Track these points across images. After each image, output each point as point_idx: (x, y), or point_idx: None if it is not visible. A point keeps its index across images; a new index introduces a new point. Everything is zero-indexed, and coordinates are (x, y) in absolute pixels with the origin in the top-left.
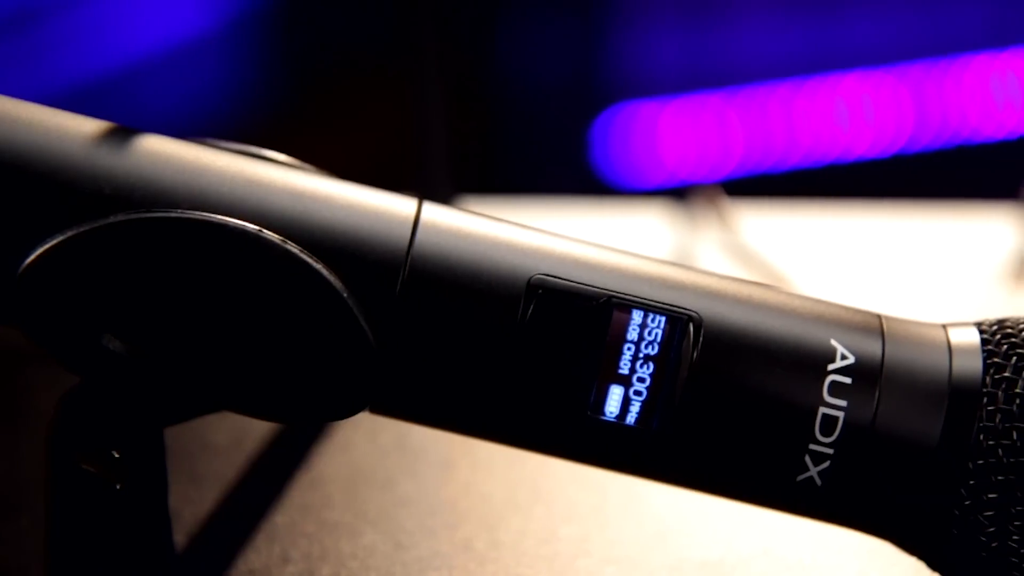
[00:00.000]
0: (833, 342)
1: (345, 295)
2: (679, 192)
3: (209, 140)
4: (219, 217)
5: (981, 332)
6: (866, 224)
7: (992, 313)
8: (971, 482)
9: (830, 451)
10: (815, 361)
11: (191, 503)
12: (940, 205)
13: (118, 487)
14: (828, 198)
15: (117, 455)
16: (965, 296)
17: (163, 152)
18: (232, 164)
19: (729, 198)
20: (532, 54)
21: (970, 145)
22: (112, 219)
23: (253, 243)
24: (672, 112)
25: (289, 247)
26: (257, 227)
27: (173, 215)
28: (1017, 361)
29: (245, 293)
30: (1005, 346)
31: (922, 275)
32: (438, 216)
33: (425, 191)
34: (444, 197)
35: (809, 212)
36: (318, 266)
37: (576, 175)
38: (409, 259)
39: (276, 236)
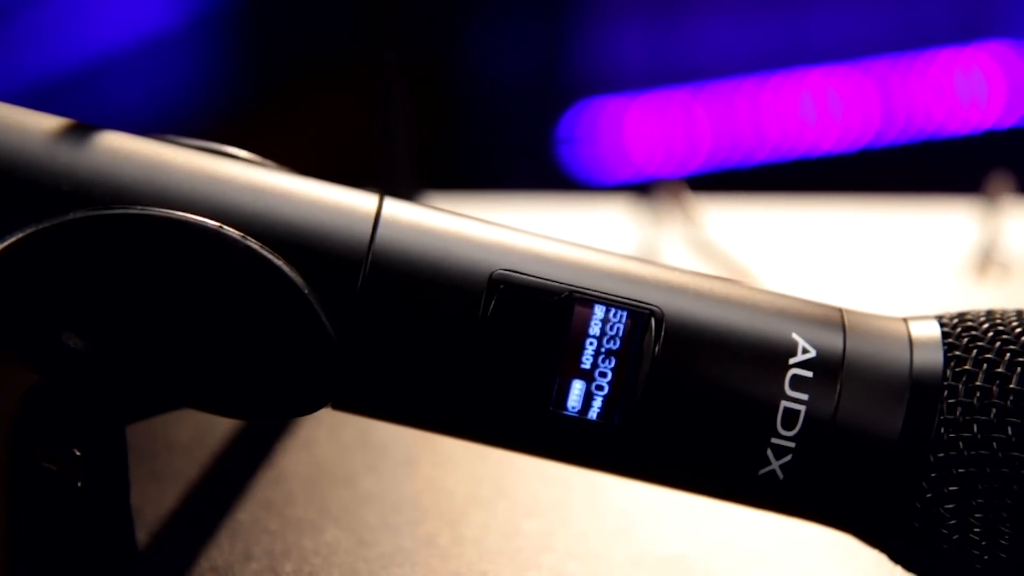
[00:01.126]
0: (794, 336)
1: (306, 291)
2: (643, 187)
3: (169, 136)
4: (179, 214)
5: (942, 325)
6: (831, 218)
7: (956, 307)
8: (932, 475)
9: (792, 445)
10: (776, 355)
11: (153, 501)
12: (905, 199)
13: (79, 485)
14: (793, 193)
15: (78, 453)
16: (929, 289)
17: (123, 149)
18: (192, 160)
19: (693, 193)
20: (498, 50)
21: (935, 140)
22: (71, 216)
23: (213, 239)
24: (638, 108)
25: (250, 243)
26: (217, 223)
27: (133, 212)
28: (978, 354)
29: (206, 290)
30: (966, 339)
31: (887, 269)
32: (399, 212)
33: (388, 187)
34: (407, 193)
35: (774, 207)
36: (279, 262)
37: (542, 171)
38: (370, 255)
39: (236, 232)
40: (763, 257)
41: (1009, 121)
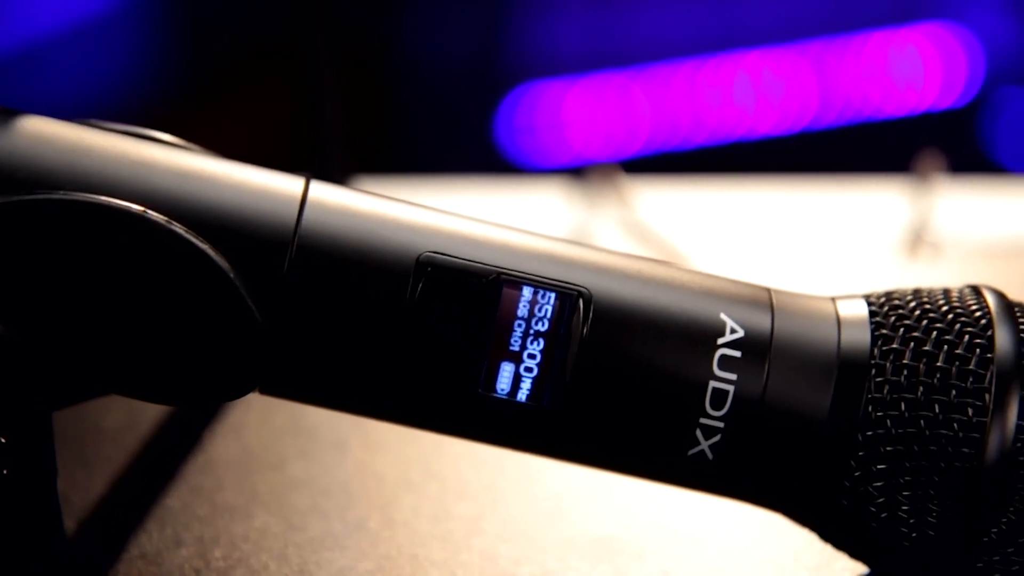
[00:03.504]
0: (723, 316)
1: (231, 275)
2: (578, 171)
3: (93, 121)
4: (103, 198)
5: (869, 304)
6: (765, 200)
7: (889, 286)
8: (860, 453)
9: (721, 425)
10: (705, 335)
11: (81, 488)
12: (838, 180)
13: (5, 473)
14: (729, 175)
15: (3, 440)
16: (863, 269)
17: (45, 133)
18: (116, 145)
19: (627, 176)
20: (436, 34)
21: (869, 122)
22: None
23: (137, 224)
24: (576, 92)
25: (174, 228)
26: (141, 208)
27: (56, 197)
28: (905, 332)
29: (130, 275)
30: (893, 317)
31: (821, 249)
32: (326, 195)
33: (319, 172)
34: (339, 177)
35: (709, 189)
36: (204, 246)
37: (480, 155)
38: (296, 238)
39: (161, 217)
40: (697, 239)
41: (945, 102)
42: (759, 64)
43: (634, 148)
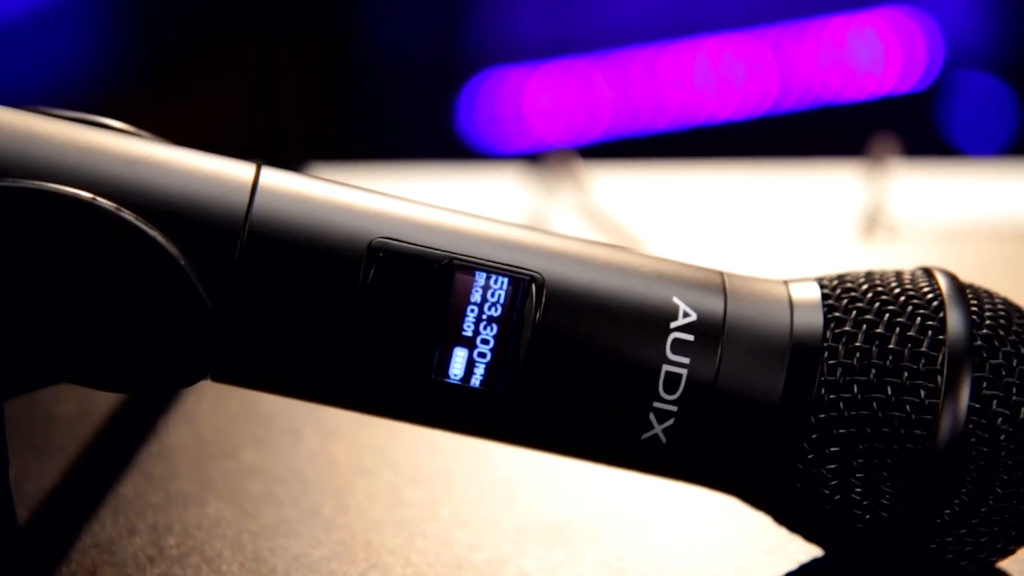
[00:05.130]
0: (675, 300)
1: (182, 262)
2: (534, 156)
3: (42, 108)
4: (51, 185)
5: (822, 287)
6: (722, 185)
7: (845, 268)
8: (813, 436)
9: (674, 408)
10: (657, 319)
11: (33, 476)
12: (796, 164)
13: None
14: (688, 160)
15: None
16: (820, 253)
17: None
18: (65, 132)
19: (585, 161)
20: (396, 21)
21: (827, 106)
22: None
23: (87, 211)
24: (536, 78)
25: (124, 215)
26: (91, 195)
27: (3, 184)
28: (857, 315)
29: (80, 262)
30: (845, 300)
31: (778, 233)
32: (277, 181)
33: (274, 159)
34: (294, 164)
35: (666, 174)
36: (154, 233)
37: (440, 141)
38: (247, 224)
39: (110, 204)
40: (654, 223)
41: (904, 87)
42: (718, 49)
43: (595, 134)
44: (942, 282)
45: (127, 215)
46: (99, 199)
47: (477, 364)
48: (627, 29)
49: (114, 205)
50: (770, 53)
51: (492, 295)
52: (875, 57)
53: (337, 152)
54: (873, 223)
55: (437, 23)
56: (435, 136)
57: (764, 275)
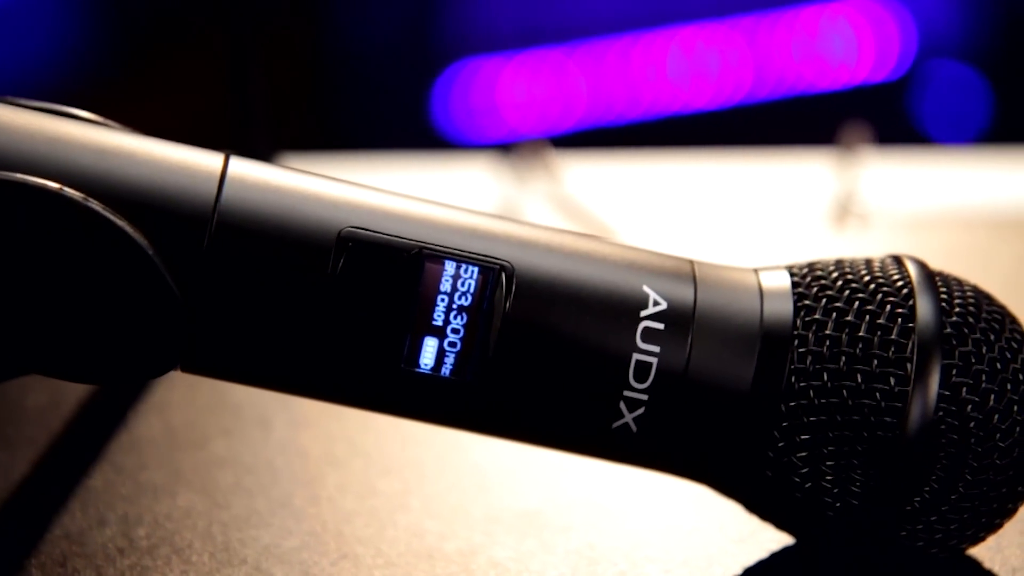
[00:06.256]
0: (646, 288)
1: (150, 252)
2: (507, 146)
3: (8, 97)
4: (18, 175)
5: (792, 275)
6: (695, 174)
7: (818, 256)
8: (784, 424)
9: (644, 397)
10: (628, 308)
11: (3, 468)
12: (769, 153)
13: None
14: (662, 149)
15: None
16: (793, 241)
17: None
18: (32, 121)
19: (557, 150)
20: (370, 11)
21: (802, 96)
22: None
23: (54, 201)
24: (510, 69)
25: (91, 204)
26: (58, 185)
27: None
28: (827, 303)
29: (48, 252)
30: (815, 288)
31: (751, 222)
32: (246, 170)
33: (244, 149)
34: (264, 155)
35: (639, 163)
36: (121, 223)
37: (414, 131)
38: (216, 214)
39: (78, 194)
40: (626, 213)
41: (878, 76)
42: (692, 39)
43: (569, 123)
44: (912, 269)
45: (94, 205)
46: (66, 189)
47: (447, 354)
48: (600, 19)
49: (81, 195)
50: (744, 43)
51: (462, 284)
52: (849, 46)
53: (311, 142)
54: (845, 212)
55: (411, 13)
56: (409, 126)
57: (737, 264)
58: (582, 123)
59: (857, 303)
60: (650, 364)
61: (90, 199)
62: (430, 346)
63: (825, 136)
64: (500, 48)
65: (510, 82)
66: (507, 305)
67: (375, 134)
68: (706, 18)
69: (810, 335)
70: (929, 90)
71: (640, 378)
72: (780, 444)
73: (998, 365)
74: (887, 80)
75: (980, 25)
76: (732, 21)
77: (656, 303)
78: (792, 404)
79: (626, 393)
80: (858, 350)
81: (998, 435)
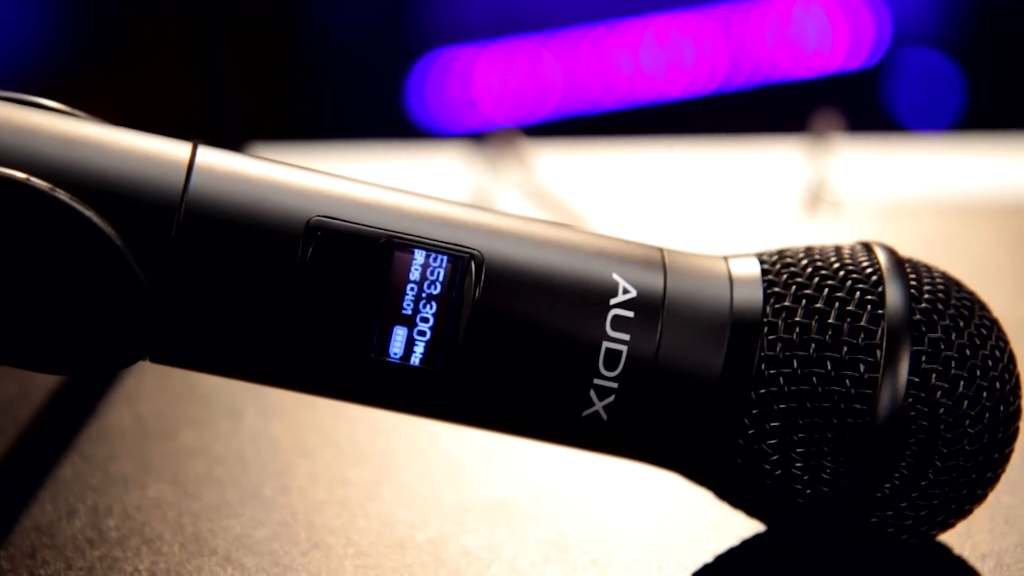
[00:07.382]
0: (615, 276)
1: (118, 242)
2: (479, 135)
3: None
4: None
5: (762, 262)
6: (668, 162)
7: (790, 243)
8: (754, 411)
9: (614, 385)
10: (597, 296)
11: None
12: (742, 141)
13: None
14: (635, 138)
15: None
16: (765, 229)
17: None
18: None
19: (529, 140)
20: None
21: (776, 84)
22: None
23: (20, 191)
24: (485, 58)
25: (58, 194)
26: (25, 175)
27: None
28: (797, 290)
29: (14, 243)
30: (785, 275)
31: (724, 210)
32: (214, 160)
33: (215, 139)
34: (235, 144)
35: (611, 152)
36: (89, 213)
37: (388, 121)
38: (184, 203)
39: (45, 183)
40: (598, 201)
41: (852, 64)
42: (665, 28)
43: (543, 113)
44: (881, 256)
45: (61, 195)
46: (33, 179)
47: (417, 342)
48: (574, 9)
49: (48, 185)
50: (717, 31)
51: (431, 273)
52: (822, 35)
53: (284, 132)
54: (816, 199)
55: (384, 2)
56: (382, 115)
57: (709, 252)
58: (555, 112)
59: (827, 290)
60: (620, 352)
61: (57, 189)
62: (399, 335)
63: (797, 124)
64: (473, 37)
65: (483, 71)
66: (476, 294)
67: (348, 123)
68: (679, 7)
69: (780, 322)
70: (902, 78)
71: (610, 366)
72: (750, 431)
73: (967, 351)
74: (860, 68)
75: (953, 13)
76: (705, 10)
77: (626, 291)
78: (762, 391)
79: (596, 381)
80: (828, 337)
81: (967, 421)
